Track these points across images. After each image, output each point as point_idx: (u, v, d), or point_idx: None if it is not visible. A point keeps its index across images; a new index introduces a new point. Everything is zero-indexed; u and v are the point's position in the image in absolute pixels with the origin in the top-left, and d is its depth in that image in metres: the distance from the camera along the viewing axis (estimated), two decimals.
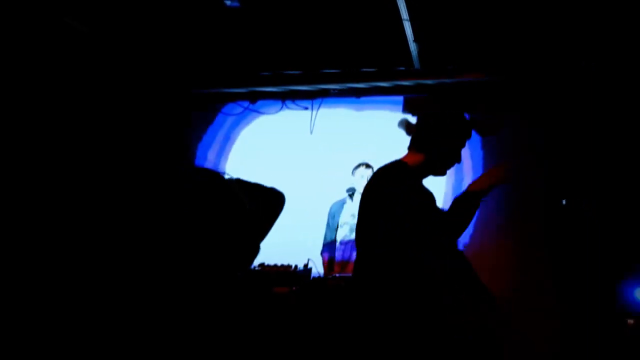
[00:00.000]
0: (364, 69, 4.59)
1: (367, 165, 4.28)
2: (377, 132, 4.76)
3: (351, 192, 4.34)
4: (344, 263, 4.18)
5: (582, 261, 3.90)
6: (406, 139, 5.02)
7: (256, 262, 3.40)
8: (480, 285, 1.91)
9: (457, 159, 2.17)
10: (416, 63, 4.35)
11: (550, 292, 4.05)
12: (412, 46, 4.03)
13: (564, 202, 4.11)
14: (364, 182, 4.06)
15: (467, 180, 4.50)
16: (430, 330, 1.78)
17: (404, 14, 3.54)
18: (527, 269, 4.19)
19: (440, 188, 4.46)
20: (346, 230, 4.28)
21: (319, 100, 4.85)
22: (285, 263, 3.46)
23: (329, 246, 4.35)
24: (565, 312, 3.93)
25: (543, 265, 4.14)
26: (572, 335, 3.83)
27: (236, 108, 5.02)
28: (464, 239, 4.34)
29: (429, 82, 4.51)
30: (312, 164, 4.84)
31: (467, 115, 4.57)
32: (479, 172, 4.47)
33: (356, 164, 4.34)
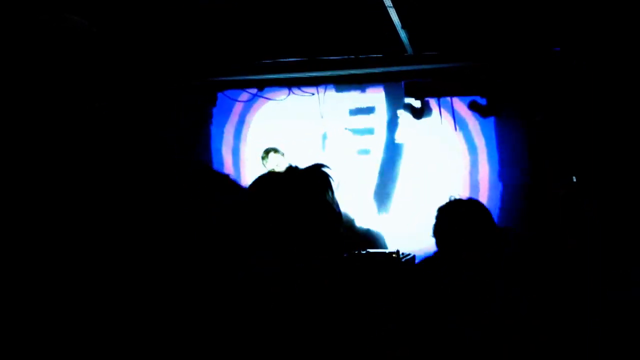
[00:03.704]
0: (363, 56, 4.70)
1: (276, 150, 4.37)
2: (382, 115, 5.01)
3: None
4: None
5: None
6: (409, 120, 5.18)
7: None
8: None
9: None
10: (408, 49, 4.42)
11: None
12: (402, 33, 4.05)
13: (574, 179, 4.09)
14: (277, 167, 4.06)
15: (483, 168, 4.56)
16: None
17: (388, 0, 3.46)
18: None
19: (458, 178, 4.55)
20: None
21: (323, 86, 5.05)
22: None
23: None
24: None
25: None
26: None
27: (244, 94, 5.24)
28: None
29: (428, 67, 4.61)
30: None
31: (466, 98, 4.75)
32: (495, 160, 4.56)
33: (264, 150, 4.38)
